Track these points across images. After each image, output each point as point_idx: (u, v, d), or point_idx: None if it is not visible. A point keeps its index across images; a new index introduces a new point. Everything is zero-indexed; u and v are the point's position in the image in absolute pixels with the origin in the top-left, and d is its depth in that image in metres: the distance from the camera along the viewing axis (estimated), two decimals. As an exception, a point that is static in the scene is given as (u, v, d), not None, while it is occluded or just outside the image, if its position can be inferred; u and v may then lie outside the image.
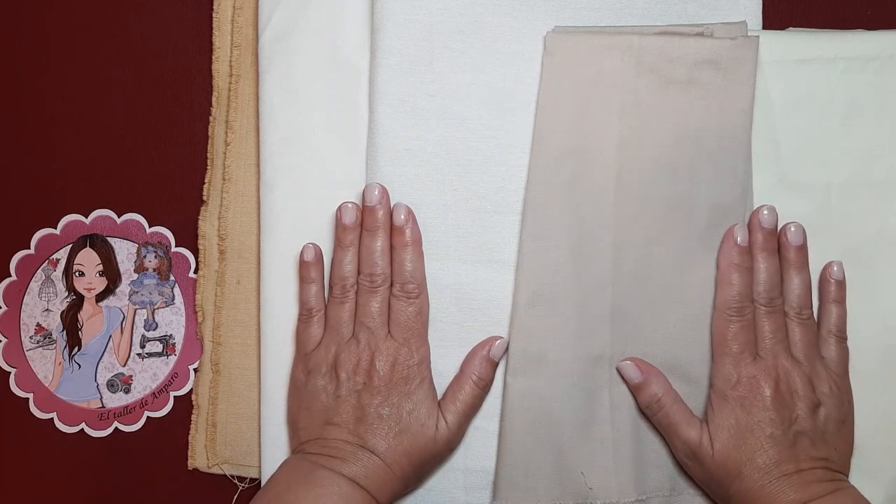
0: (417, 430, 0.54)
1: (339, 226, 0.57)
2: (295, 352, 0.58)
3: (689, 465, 0.55)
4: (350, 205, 0.57)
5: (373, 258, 0.56)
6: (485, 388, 0.57)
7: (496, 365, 0.57)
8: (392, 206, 0.57)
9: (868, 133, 0.59)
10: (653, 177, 0.57)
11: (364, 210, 0.57)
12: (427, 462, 0.55)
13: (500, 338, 0.57)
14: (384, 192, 0.57)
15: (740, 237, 0.56)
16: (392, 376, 0.55)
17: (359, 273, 0.57)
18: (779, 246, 0.57)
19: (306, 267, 0.58)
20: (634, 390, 0.57)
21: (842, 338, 0.57)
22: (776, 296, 0.56)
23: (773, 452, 0.52)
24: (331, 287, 0.57)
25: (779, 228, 0.57)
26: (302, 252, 0.58)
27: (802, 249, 0.57)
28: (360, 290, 0.56)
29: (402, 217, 0.57)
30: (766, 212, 0.57)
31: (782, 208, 0.57)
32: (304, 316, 0.58)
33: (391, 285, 0.57)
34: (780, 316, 0.56)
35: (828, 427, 0.54)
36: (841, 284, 0.58)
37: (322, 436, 0.54)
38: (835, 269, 0.58)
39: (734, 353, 0.55)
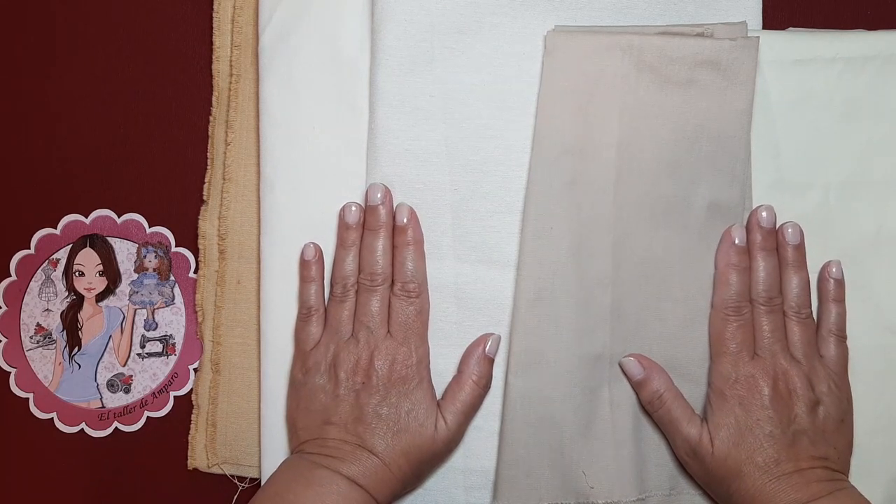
0: (416, 429, 0.54)
1: (341, 225, 0.57)
2: (294, 350, 0.58)
3: (689, 462, 0.55)
4: (354, 205, 0.58)
5: (374, 257, 0.56)
6: (485, 386, 0.57)
7: (493, 361, 0.57)
8: (395, 206, 0.58)
9: (867, 133, 0.59)
10: (653, 177, 0.57)
11: (367, 209, 0.57)
12: (426, 462, 0.55)
13: (493, 334, 0.57)
14: (387, 192, 0.57)
15: (738, 238, 0.56)
16: (390, 376, 0.55)
17: (359, 272, 0.57)
18: (777, 245, 0.57)
19: (306, 266, 0.58)
20: (636, 386, 0.57)
21: (841, 337, 0.57)
22: (775, 295, 0.56)
23: (773, 451, 0.52)
24: (332, 286, 0.57)
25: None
26: (302, 251, 0.58)
27: (800, 248, 0.57)
28: (360, 289, 0.56)
29: (405, 218, 0.57)
30: (764, 212, 0.57)
31: (782, 208, 0.57)
32: (304, 314, 0.58)
33: (392, 284, 0.56)
34: (778, 315, 0.56)
35: (827, 426, 0.54)
36: (840, 283, 0.58)
37: (321, 435, 0.54)
38: (833, 268, 0.58)
39: (732, 352, 0.55)
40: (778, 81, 0.59)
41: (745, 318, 0.55)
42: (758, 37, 0.58)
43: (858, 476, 0.56)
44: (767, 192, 0.59)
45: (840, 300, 0.57)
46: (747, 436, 0.53)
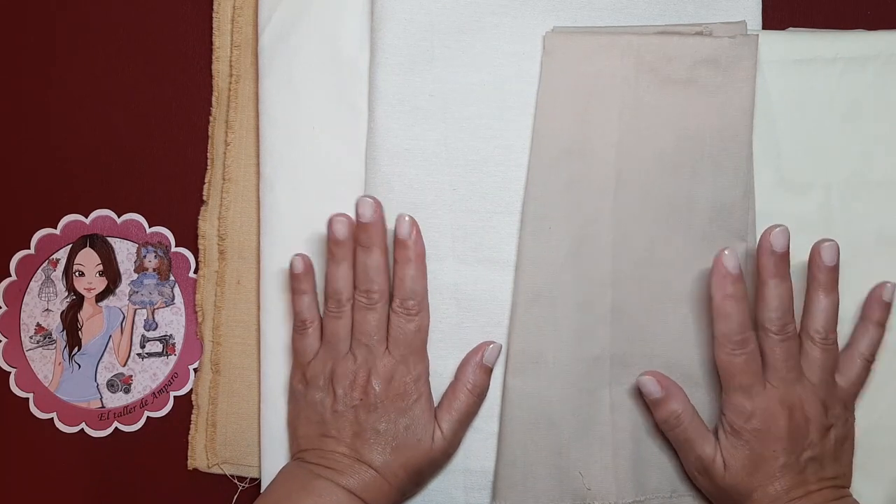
0: (414, 444, 0.54)
1: (331, 240, 0.55)
2: (292, 360, 0.58)
3: (698, 477, 0.55)
4: (342, 218, 0.55)
5: (368, 275, 0.55)
6: (480, 395, 0.56)
7: (490, 370, 0.57)
8: (397, 217, 0.55)
9: (868, 133, 0.59)
10: (653, 176, 0.57)
11: (358, 226, 0.54)
12: (424, 471, 0.55)
13: (493, 342, 0.57)
14: (378, 207, 0.55)
15: (731, 266, 0.52)
16: (388, 393, 0.54)
17: (354, 287, 0.55)
18: (809, 264, 0.54)
19: (296, 279, 0.56)
20: (653, 405, 0.55)
21: (870, 361, 0.55)
22: (789, 321, 0.53)
23: (785, 481, 0.52)
24: (325, 301, 0.56)
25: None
26: (291, 264, 0.56)
27: (835, 270, 0.53)
28: (356, 306, 0.55)
29: (406, 230, 0.55)
30: (778, 237, 0.52)
31: (782, 208, 0.57)
32: (299, 327, 0.57)
33: (391, 299, 0.55)
34: (793, 342, 0.53)
35: (836, 447, 0.53)
36: (888, 307, 0.55)
37: (320, 447, 0.54)
38: (888, 288, 0.55)
39: (745, 386, 0.53)
40: (778, 81, 0.59)
41: (751, 350, 0.52)
42: (757, 34, 0.58)
43: (860, 477, 0.55)
44: (768, 193, 0.59)
45: (883, 324, 0.55)
46: (762, 466, 0.52)
